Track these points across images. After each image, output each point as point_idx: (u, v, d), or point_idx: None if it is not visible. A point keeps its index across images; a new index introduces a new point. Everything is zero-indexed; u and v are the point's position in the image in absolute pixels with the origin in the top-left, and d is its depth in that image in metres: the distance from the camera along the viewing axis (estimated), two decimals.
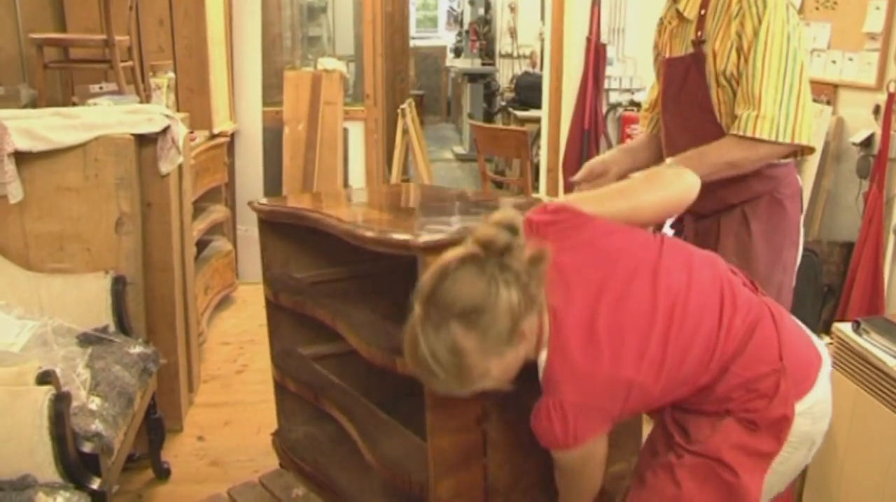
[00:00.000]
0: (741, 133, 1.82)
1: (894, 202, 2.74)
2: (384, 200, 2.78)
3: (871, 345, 2.27)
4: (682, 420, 1.58)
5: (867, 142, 2.90)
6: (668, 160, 1.96)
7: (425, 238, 1.73)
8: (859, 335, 2.33)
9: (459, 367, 1.39)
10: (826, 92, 3.21)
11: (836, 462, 2.41)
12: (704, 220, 2.07)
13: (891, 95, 2.72)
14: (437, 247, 1.64)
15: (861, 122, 2.99)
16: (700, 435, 1.54)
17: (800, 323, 1.67)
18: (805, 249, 2.85)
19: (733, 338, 1.50)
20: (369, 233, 1.90)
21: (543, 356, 1.47)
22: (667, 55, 2.06)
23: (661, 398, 1.52)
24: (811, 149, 1.91)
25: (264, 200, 2.63)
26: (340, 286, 2.56)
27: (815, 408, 1.56)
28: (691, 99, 1.97)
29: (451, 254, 1.41)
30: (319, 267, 2.62)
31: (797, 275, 2.79)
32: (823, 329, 2.79)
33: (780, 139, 1.79)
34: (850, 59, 3.08)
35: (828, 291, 2.84)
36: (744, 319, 1.51)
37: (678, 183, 1.61)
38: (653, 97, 2.26)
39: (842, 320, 2.56)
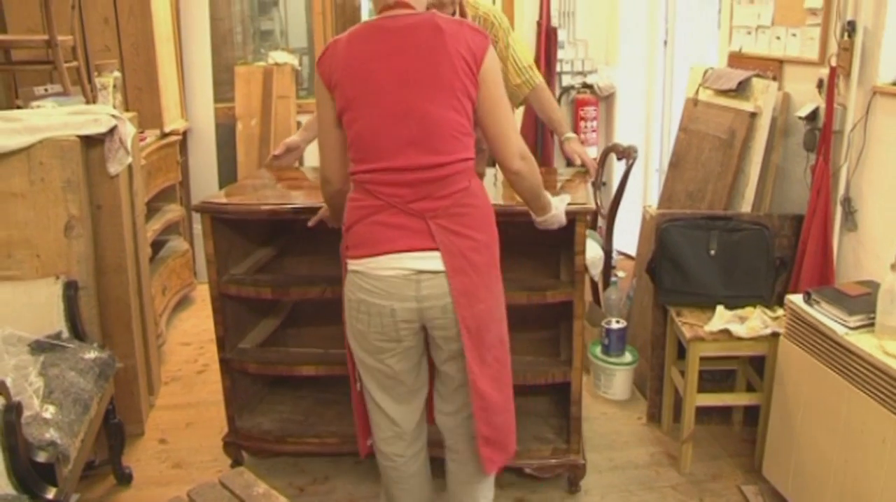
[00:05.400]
0: None
1: (840, 173, 2.79)
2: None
3: (822, 314, 2.31)
4: None
5: (812, 116, 2.93)
6: None
7: None
8: (810, 306, 2.37)
9: None
10: (772, 68, 3.25)
11: (793, 429, 2.46)
12: None
13: (832, 69, 2.76)
14: None
15: (806, 97, 3.03)
16: None
17: None
18: (756, 223, 2.90)
19: None
20: None
21: None
22: None
23: None
24: None
25: (222, 198, 2.68)
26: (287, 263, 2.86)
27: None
28: None
29: None
30: (251, 251, 2.84)
31: (750, 249, 2.84)
32: (777, 301, 2.84)
33: None
34: (794, 35, 3.11)
35: (780, 264, 2.88)
36: None
37: None
38: None
39: (795, 292, 2.61)
